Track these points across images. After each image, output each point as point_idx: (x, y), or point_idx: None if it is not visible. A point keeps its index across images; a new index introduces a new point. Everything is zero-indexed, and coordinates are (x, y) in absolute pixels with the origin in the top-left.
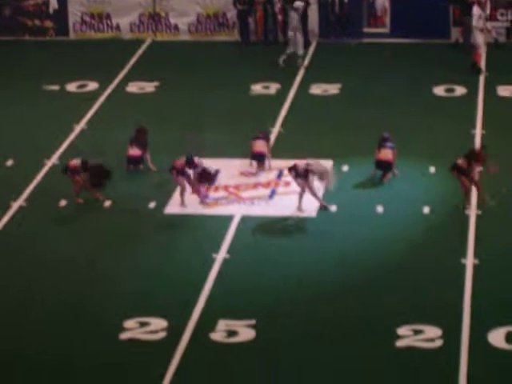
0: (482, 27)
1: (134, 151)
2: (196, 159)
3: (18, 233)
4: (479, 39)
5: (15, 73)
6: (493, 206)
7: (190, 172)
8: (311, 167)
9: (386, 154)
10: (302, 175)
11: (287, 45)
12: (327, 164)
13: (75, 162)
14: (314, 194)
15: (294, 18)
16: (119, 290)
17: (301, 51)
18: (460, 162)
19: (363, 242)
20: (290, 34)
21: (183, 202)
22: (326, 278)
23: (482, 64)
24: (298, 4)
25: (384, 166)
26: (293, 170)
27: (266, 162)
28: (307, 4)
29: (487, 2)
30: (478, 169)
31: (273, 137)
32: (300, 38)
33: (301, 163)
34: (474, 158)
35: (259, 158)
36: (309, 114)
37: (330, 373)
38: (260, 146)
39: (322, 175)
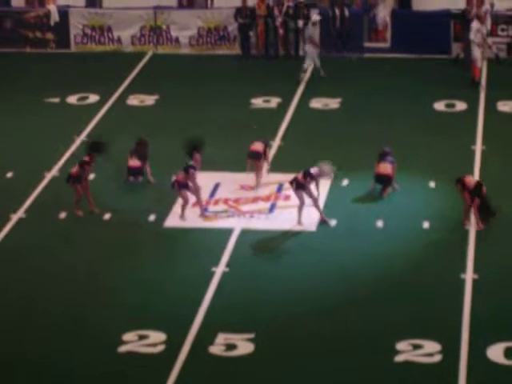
0: (480, 42)
1: (134, 162)
2: (196, 160)
3: (18, 244)
4: (477, 53)
5: (16, 85)
6: (492, 223)
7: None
8: (318, 172)
9: (386, 168)
10: (303, 187)
11: (305, 58)
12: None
13: (76, 169)
14: (317, 206)
15: (311, 31)
16: (118, 302)
17: (318, 63)
18: (467, 179)
19: (363, 256)
20: (307, 46)
21: (183, 216)
22: (326, 292)
23: (483, 79)
24: (316, 17)
25: (383, 180)
26: (294, 182)
27: (263, 164)
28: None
29: (487, 16)
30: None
31: (273, 150)
32: (315, 50)
33: (303, 175)
34: (478, 192)
35: (255, 157)
36: (309, 127)
37: None
38: (257, 145)
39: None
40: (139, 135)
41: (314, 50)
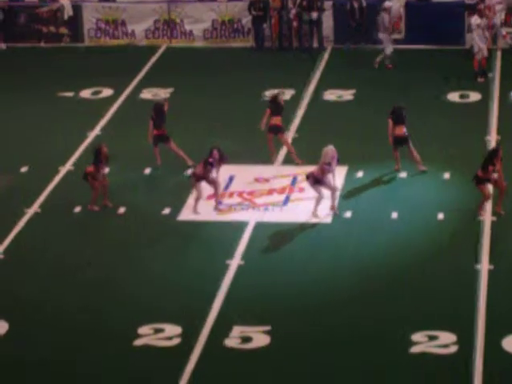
0: (481, 36)
1: (158, 131)
2: (213, 156)
3: (33, 239)
4: (477, 46)
5: (30, 79)
6: (508, 212)
7: (213, 171)
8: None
9: (401, 129)
10: (320, 181)
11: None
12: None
13: (91, 168)
14: (335, 197)
15: (385, 18)
16: (133, 296)
17: (388, 51)
18: (479, 173)
19: (378, 248)
20: (381, 34)
21: (196, 209)
22: (341, 283)
23: (496, 69)
24: (388, 4)
25: (401, 142)
26: (310, 177)
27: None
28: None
29: (500, 7)
30: (497, 165)
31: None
32: (389, 37)
33: (320, 168)
34: (489, 158)
35: (276, 130)
36: (323, 119)
37: (344, 379)
38: (277, 120)
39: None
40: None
41: (387, 37)
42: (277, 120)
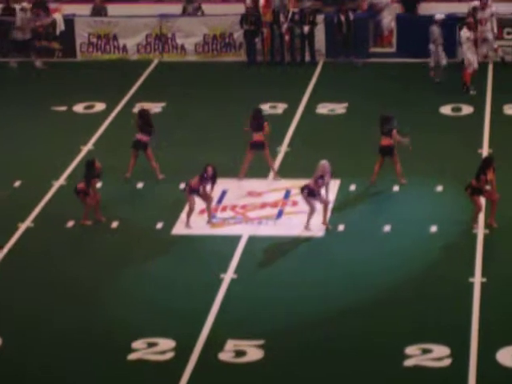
0: (471, 49)
1: (141, 136)
2: (207, 173)
3: (26, 253)
4: (468, 59)
5: (23, 93)
6: (500, 225)
7: (207, 187)
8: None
9: (385, 139)
10: (315, 194)
11: (430, 58)
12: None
13: (82, 184)
14: (327, 211)
15: (435, 30)
16: (127, 310)
17: (444, 62)
18: (473, 182)
19: (371, 261)
20: (431, 46)
21: (188, 223)
22: (334, 297)
23: (488, 82)
24: (439, 16)
25: (385, 152)
26: (305, 189)
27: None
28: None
29: (492, 19)
30: (490, 176)
31: (280, 156)
32: (441, 50)
33: (313, 181)
34: (482, 168)
35: (259, 147)
36: (315, 133)
37: None
38: (257, 136)
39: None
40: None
41: (434, 48)
42: (259, 136)
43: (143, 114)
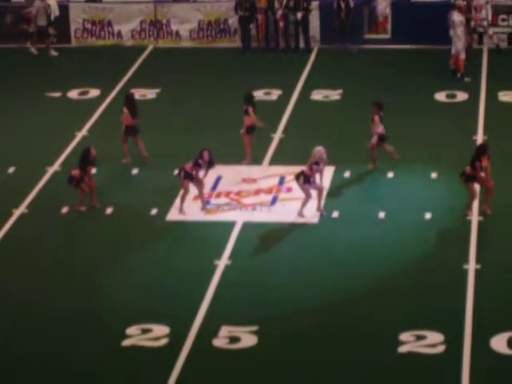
0: (463, 34)
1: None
2: (203, 158)
3: (20, 240)
4: (459, 46)
5: (17, 80)
6: (494, 211)
7: (200, 173)
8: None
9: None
10: (310, 180)
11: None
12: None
13: (77, 171)
14: (321, 197)
15: (454, 16)
16: (121, 296)
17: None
18: (467, 169)
19: (365, 248)
20: (452, 32)
21: (182, 209)
22: (328, 284)
23: (483, 68)
24: (460, 2)
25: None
26: (301, 176)
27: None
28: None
29: (486, 6)
30: (485, 163)
31: (274, 143)
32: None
33: (308, 167)
34: (476, 155)
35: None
36: (310, 119)
37: (331, 379)
38: (249, 120)
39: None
40: (141, 128)
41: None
42: (248, 120)
43: (131, 97)
